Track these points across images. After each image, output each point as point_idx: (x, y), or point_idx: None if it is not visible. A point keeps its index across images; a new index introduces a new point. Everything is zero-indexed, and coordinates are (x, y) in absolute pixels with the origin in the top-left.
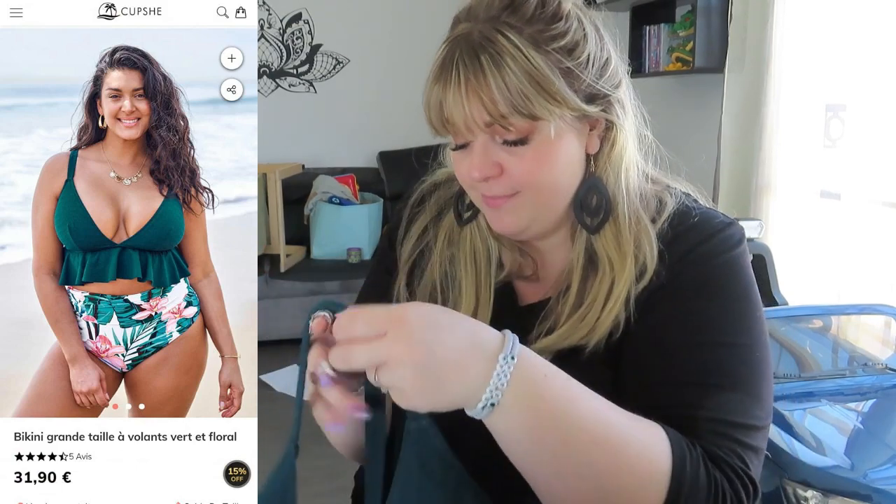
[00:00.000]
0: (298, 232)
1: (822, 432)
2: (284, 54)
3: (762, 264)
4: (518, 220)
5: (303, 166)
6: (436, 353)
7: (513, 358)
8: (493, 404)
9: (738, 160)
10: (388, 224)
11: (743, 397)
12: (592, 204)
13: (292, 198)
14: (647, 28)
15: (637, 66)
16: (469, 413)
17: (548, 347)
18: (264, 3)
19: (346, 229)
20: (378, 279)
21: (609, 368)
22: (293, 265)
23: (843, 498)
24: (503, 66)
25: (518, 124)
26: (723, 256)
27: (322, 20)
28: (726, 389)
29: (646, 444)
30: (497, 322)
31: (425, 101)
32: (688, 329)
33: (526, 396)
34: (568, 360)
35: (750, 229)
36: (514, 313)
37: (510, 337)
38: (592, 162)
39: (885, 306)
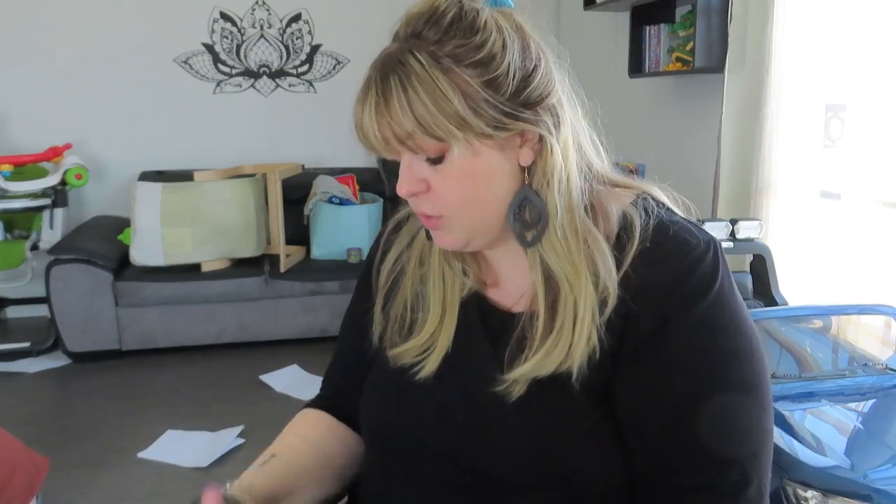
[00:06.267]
0: (298, 232)
1: (822, 432)
2: (284, 54)
3: (762, 264)
4: (456, 238)
5: (303, 166)
6: None
7: None
8: None
9: (738, 160)
10: (365, 259)
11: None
12: (527, 216)
13: (292, 198)
14: (647, 28)
15: (637, 66)
16: None
17: (524, 376)
18: (264, 2)
19: (346, 229)
20: (358, 310)
21: (594, 395)
22: (293, 265)
23: (843, 498)
24: (408, 87)
25: (426, 144)
26: (710, 296)
27: (322, 20)
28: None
29: None
30: (467, 331)
31: (353, 120)
32: (691, 387)
33: None
34: (551, 387)
35: (750, 229)
36: (483, 323)
37: None
38: (527, 174)
39: (885, 306)
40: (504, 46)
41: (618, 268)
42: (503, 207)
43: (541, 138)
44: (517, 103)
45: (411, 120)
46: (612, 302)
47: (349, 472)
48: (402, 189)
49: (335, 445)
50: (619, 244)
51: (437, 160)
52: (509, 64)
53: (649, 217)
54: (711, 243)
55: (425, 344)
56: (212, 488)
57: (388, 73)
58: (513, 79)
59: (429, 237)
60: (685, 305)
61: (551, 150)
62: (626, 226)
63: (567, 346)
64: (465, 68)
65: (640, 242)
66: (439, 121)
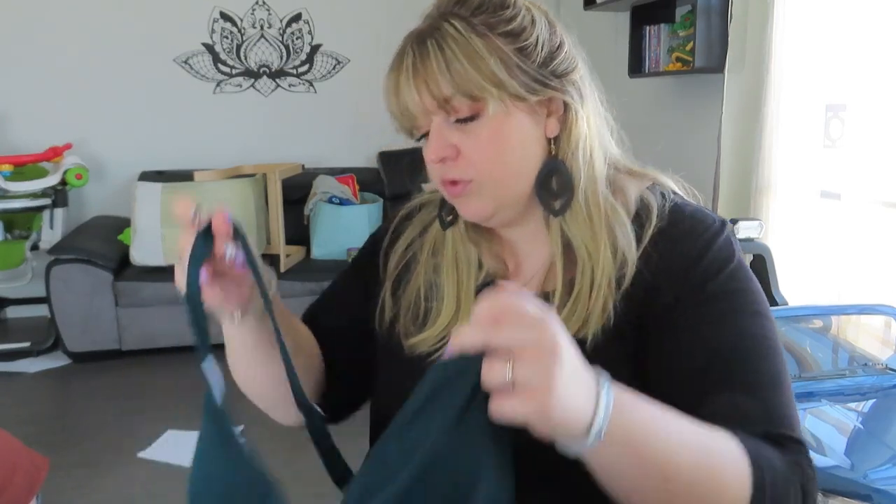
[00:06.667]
0: (298, 232)
1: (822, 432)
2: (284, 54)
3: (762, 264)
4: (483, 205)
5: (303, 166)
6: (570, 361)
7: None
8: (599, 433)
9: (738, 160)
10: (372, 233)
11: (788, 401)
12: (554, 186)
13: (292, 198)
14: (647, 28)
15: (637, 66)
16: (571, 444)
17: None
18: (264, 2)
19: (346, 229)
20: (351, 283)
21: (610, 365)
22: (293, 265)
23: (843, 498)
24: (445, 48)
25: (461, 105)
26: (729, 267)
27: (322, 20)
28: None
29: (731, 453)
30: None
31: (384, 91)
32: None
33: (624, 424)
34: None
35: (750, 229)
36: None
37: (601, 370)
38: (553, 145)
39: (885, 306)
40: (533, 22)
41: (637, 244)
42: (529, 177)
43: (566, 110)
44: (547, 72)
45: (448, 79)
46: (630, 273)
47: (316, 373)
48: (430, 154)
49: (311, 340)
50: (638, 222)
51: (469, 119)
52: (538, 37)
53: (665, 200)
54: (725, 223)
55: (441, 333)
56: (224, 211)
57: (424, 38)
58: (541, 50)
59: (443, 225)
60: (706, 277)
61: (577, 119)
62: (643, 207)
63: (584, 312)
64: (497, 36)
65: (659, 221)
66: (475, 79)
